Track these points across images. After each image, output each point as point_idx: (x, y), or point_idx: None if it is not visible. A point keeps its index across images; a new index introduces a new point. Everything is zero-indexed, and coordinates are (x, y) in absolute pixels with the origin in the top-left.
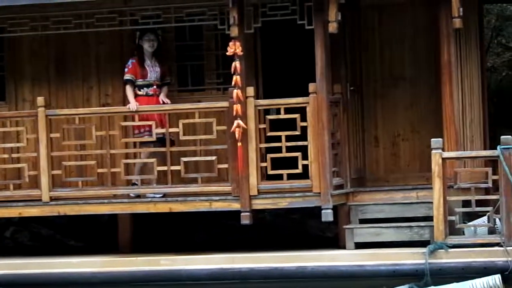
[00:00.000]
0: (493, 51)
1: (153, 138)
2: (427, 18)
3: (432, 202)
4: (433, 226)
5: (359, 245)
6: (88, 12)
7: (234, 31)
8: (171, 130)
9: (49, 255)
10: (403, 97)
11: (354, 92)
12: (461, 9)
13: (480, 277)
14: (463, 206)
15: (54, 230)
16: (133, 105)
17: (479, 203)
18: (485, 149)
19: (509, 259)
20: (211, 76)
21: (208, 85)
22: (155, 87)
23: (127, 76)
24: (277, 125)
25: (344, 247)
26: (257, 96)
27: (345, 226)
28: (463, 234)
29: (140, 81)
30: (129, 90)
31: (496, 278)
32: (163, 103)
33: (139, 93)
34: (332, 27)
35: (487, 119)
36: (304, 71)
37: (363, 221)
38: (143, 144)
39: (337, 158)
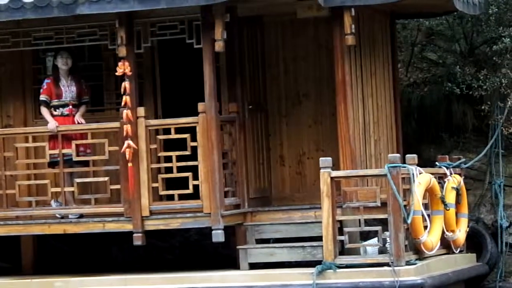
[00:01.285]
0: (417, 66)
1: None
2: (329, 34)
3: None
4: None
5: (256, 266)
6: None
7: (122, 51)
8: (64, 151)
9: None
10: (308, 115)
11: (253, 110)
12: (353, 26)
13: None
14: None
15: None
16: (52, 124)
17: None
18: None
19: (396, 279)
20: (110, 96)
21: (107, 106)
22: (70, 107)
23: (41, 97)
24: (172, 145)
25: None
26: (156, 116)
27: (238, 247)
28: (359, 253)
29: (55, 101)
30: (44, 111)
31: None
32: (78, 123)
33: (55, 113)
34: (218, 46)
35: (400, 136)
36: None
37: (260, 241)
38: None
39: (233, 178)
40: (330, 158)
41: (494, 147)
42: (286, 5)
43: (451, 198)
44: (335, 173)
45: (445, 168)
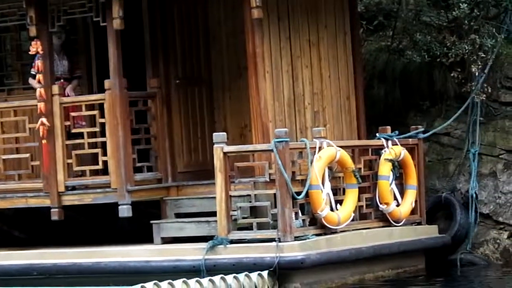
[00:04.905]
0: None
1: None
2: None
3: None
4: None
5: (169, 240)
6: None
7: (33, 31)
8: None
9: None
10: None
11: (188, 84)
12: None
13: (250, 273)
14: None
15: (3, 222)
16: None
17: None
18: (359, 139)
19: (276, 255)
20: None
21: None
22: (62, 80)
23: (32, 71)
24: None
25: None
26: (91, 91)
27: (152, 221)
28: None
29: None
30: (31, 81)
31: (264, 274)
32: (67, 95)
33: None
34: (116, 24)
35: (362, 106)
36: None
37: (179, 215)
38: None
39: (151, 153)
40: (224, 133)
41: (474, 115)
42: None
43: (385, 170)
44: (227, 148)
45: (383, 140)
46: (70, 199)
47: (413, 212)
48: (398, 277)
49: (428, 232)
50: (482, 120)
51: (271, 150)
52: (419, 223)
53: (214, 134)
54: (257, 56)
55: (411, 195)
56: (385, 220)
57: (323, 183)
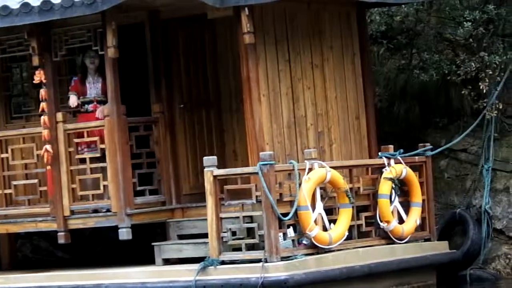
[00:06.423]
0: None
1: None
2: None
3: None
4: None
5: (174, 261)
6: None
7: (35, 61)
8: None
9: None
10: None
11: (194, 108)
12: (249, 25)
13: None
14: None
15: (49, 242)
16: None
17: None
18: (370, 157)
19: (261, 275)
20: None
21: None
22: (95, 103)
23: (69, 94)
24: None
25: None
26: None
27: (153, 243)
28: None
29: (81, 98)
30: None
31: None
32: (97, 118)
33: (81, 110)
34: (111, 52)
35: (373, 125)
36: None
37: (182, 237)
38: None
39: (155, 176)
40: (214, 157)
41: (489, 131)
42: (195, 8)
43: (384, 189)
44: (216, 172)
45: (384, 158)
46: (75, 223)
47: (422, 228)
48: None
49: (437, 248)
50: (496, 136)
51: (256, 173)
52: (427, 239)
53: (204, 158)
54: (251, 81)
55: (415, 212)
56: (388, 238)
57: (313, 204)
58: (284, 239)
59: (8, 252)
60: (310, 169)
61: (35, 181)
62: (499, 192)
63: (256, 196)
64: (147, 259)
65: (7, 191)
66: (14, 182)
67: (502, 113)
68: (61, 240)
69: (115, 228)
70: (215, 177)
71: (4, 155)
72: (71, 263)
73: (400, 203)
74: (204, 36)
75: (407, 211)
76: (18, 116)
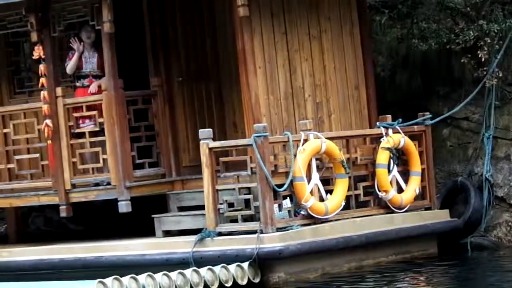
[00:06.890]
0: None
1: None
2: None
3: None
4: None
5: (174, 233)
6: None
7: (34, 37)
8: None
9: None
10: None
11: (194, 81)
12: None
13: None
14: None
15: None
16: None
17: None
18: (370, 127)
19: (256, 246)
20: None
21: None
22: (90, 77)
23: (67, 62)
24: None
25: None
26: None
27: (153, 215)
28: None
29: (77, 73)
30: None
31: (244, 266)
32: (91, 93)
33: (77, 84)
34: (107, 27)
35: (373, 96)
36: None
37: (181, 208)
38: None
39: (154, 149)
40: (210, 129)
41: (489, 99)
42: None
43: (382, 158)
44: (212, 144)
45: (382, 128)
46: (77, 196)
47: (422, 197)
48: (404, 261)
49: (438, 216)
50: (497, 104)
51: (250, 145)
52: (428, 208)
53: (200, 130)
54: (247, 53)
55: (414, 181)
56: (387, 207)
57: (309, 175)
58: (280, 210)
59: (15, 226)
60: (306, 140)
61: (37, 155)
62: (500, 159)
63: (251, 168)
64: (151, 231)
65: (10, 165)
66: (17, 157)
67: (503, 81)
68: (63, 213)
69: None
70: (210, 149)
71: (6, 130)
72: (82, 236)
73: (400, 172)
74: (202, 8)
75: (407, 181)
76: (22, 91)
